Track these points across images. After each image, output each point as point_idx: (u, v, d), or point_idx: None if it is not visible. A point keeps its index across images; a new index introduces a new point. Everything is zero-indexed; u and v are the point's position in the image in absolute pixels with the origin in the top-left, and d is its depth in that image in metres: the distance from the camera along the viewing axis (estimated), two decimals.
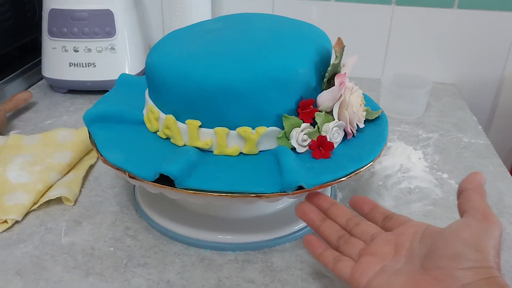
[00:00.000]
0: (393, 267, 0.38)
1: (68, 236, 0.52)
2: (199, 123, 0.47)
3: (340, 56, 0.50)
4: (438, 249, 0.36)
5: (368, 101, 0.59)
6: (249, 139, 0.47)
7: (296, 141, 0.48)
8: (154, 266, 0.48)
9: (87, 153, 0.66)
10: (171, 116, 0.48)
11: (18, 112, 0.80)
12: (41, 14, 0.85)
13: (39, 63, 0.90)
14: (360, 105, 0.51)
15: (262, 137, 0.48)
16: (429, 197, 0.60)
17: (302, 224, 0.53)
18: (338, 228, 0.43)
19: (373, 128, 0.54)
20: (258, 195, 0.43)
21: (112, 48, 0.84)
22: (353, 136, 0.52)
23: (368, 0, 0.92)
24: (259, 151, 0.48)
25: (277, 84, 0.46)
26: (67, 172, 0.62)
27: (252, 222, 0.53)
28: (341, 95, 0.48)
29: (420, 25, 0.93)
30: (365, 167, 0.48)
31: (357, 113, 0.50)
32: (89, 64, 0.84)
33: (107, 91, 0.62)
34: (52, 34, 0.83)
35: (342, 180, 0.46)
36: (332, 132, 0.49)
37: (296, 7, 0.94)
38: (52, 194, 0.57)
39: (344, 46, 0.50)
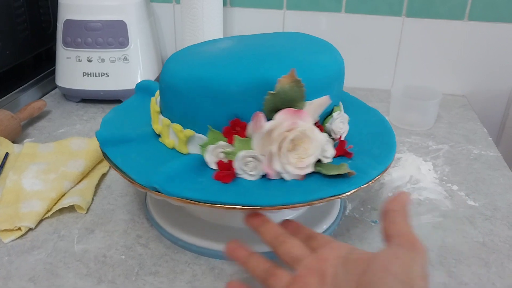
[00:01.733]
0: None
1: (81, 244, 0.53)
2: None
3: (282, 89, 0.44)
4: (370, 285, 0.35)
5: (374, 113, 0.60)
6: None
7: (211, 154, 0.47)
8: (165, 275, 0.49)
9: (99, 162, 0.67)
10: (178, 126, 0.49)
11: (33, 120, 0.82)
12: (56, 25, 0.87)
13: (53, 72, 0.92)
14: (300, 158, 0.46)
15: None
16: (439, 208, 0.60)
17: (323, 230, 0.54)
18: (264, 261, 0.42)
19: (379, 146, 0.54)
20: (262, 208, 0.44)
21: (125, 58, 0.85)
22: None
23: (378, 11, 0.93)
24: None
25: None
26: (80, 181, 0.63)
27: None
28: (261, 127, 0.45)
29: (430, 36, 0.93)
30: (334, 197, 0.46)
31: (286, 158, 0.45)
32: (102, 74, 0.85)
33: (120, 100, 0.63)
34: (66, 44, 0.85)
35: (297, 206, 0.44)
36: (243, 162, 0.46)
37: (306, 18, 0.95)
38: (65, 202, 0.58)
39: (295, 80, 0.45)
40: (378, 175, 0.49)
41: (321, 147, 0.46)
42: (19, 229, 0.54)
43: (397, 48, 0.95)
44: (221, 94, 0.46)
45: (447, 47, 0.93)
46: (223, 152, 0.47)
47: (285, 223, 0.46)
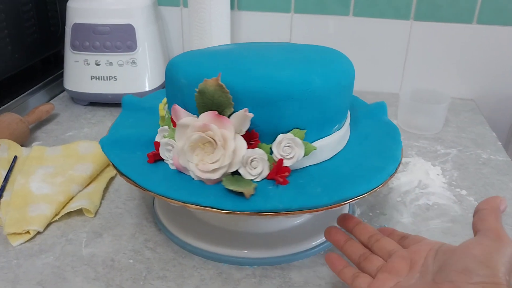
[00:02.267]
0: (407, 283, 0.39)
1: (89, 248, 0.53)
2: None
3: (206, 89, 0.45)
4: (449, 264, 0.37)
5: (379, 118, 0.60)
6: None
7: (159, 135, 0.52)
8: (172, 279, 0.49)
9: (107, 165, 0.67)
10: None
11: (41, 123, 0.82)
12: (64, 28, 0.87)
13: (61, 75, 0.92)
14: (202, 161, 0.45)
15: None
16: (448, 214, 0.60)
17: (321, 240, 0.53)
18: (360, 247, 0.46)
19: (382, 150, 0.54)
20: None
21: (133, 62, 0.85)
22: None
23: (386, 15, 0.92)
24: None
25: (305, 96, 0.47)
26: (88, 184, 0.63)
27: (270, 237, 0.53)
28: (177, 119, 0.47)
29: (438, 40, 0.93)
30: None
31: (190, 157, 0.46)
32: (110, 78, 0.86)
33: None
34: (74, 47, 0.85)
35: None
36: (165, 148, 0.49)
37: (314, 22, 0.95)
38: (73, 206, 0.58)
39: (219, 85, 0.44)
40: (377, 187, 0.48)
41: (235, 159, 0.45)
42: (28, 232, 0.55)
43: (405, 51, 0.95)
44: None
45: (456, 50, 0.93)
46: (163, 135, 0.50)
47: (380, 229, 0.49)
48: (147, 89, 0.87)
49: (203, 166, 0.45)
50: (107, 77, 0.86)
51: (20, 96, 0.86)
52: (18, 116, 0.74)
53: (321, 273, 0.50)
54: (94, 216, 0.58)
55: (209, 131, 0.45)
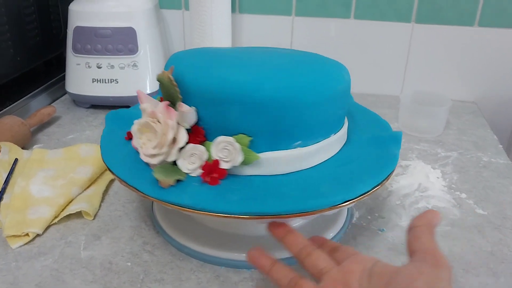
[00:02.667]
0: None
1: (87, 250, 0.53)
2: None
3: (160, 80, 0.47)
4: None
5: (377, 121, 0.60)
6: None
7: None
8: (170, 282, 0.49)
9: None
10: None
11: (42, 126, 0.83)
12: (66, 31, 0.88)
13: (63, 78, 0.93)
14: (144, 145, 0.47)
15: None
16: (447, 217, 0.60)
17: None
18: (287, 271, 0.43)
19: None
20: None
21: (134, 65, 0.86)
22: None
23: (387, 17, 0.92)
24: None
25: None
26: (88, 187, 0.64)
27: (267, 240, 0.53)
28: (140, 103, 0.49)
29: (440, 42, 0.92)
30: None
31: (138, 139, 0.48)
32: (112, 80, 0.86)
33: (129, 106, 0.63)
34: (76, 50, 0.86)
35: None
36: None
37: (315, 25, 0.95)
38: (73, 208, 0.58)
39: (169, 77, 0.46)
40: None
41: (173, 149, 0.47)
42: (27, 235, 0.55)
43: (406, 54, 0.95)
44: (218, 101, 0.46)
45: (457, 53, 0.93)
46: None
47: (312, 238, 0.47)
48: (148, 91, 0.87)
49: (146, 150, 0.47)
50: (108, 80, 0.86)
51: (22, 99, 0.86)
52: (20, 119, 0.74)
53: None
54: (93, 219, 0.59)
55: (155, 119, 0.47)
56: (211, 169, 0.46)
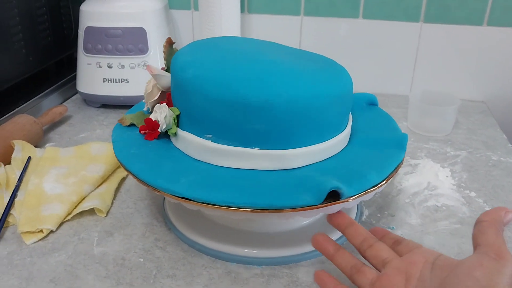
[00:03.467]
0: None
1: (100, 246, 0.54)
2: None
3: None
4: (450, 285, 0.36)
5: (388, 121, 0.60)
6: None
7: None
8: (182, 278, 0.49)
9: (119, 166, 0.68)
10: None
11: (54, 125, 0.84)
12: (77, 32, 0.89)
13: (74, 78, 0.94)
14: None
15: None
16: (456, 215, 0.60)
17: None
18: (351, 257, 0.44)
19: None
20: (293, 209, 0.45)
21: (145, 65, 0.87)
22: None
23: (396, 17, 0.93)
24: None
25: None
26: (100, 184, 0.64)
27: (278, 237, 0.54)
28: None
29: (448, 42, 0.92)
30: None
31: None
32: (122, 80, 0.87)
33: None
34: (87, 50, 0.87)
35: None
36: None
37: (323, 25, 0.96)
38: (85, 206, 0.59)
39: (172, 43, 0.60)
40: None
41: (150, 99, 0.58)
42: (41, 231, 0.56)
43: (415, 53, 0.95)
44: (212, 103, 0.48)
45: (466, 52, 0.93)
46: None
47: (372, 230, 0.47)
48: None
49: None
50: (119, 79, 0.87)
51: (34, 98, 0.87)
52: (32, 118, 0.75)
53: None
54: (106, 216, 0.59)
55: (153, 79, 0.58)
56: (151, 126, 0.54)
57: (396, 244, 0.44)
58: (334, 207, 0.46)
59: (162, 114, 0.53)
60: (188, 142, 0.51)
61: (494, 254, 0.36)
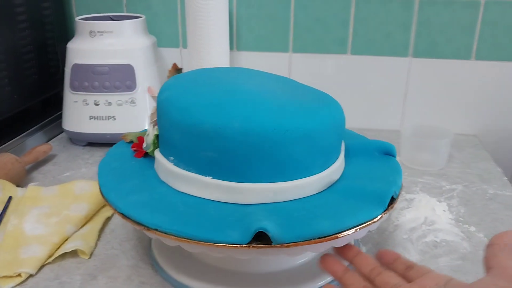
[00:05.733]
0: None
1: None
2: None
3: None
4: None
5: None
6: None
7: None
8: None
9: (103, 205, 0.66)
10: None
11: (38, 164, 0.81)
12: (64, 70, 0.88)
13: (59, 116, 0.92)
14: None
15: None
16: (457, 251, 0.58)
17: (324, 281, 0.51)
18: (360, 280, 0.43)
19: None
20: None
21: (132, 102, 0.85)
22: None
23: (384, 52, 0.93)
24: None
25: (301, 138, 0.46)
26: (84, 224, 0.61)
27: (271, 278, 0.51)
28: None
29: (438, 76, 0.93)
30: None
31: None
32: (109, 117, 0.85)
33: None
34: (74, 88, 0.85)
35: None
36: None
37: (312, 61, 0.95)
38: (68, 247, 0.56)
39: (178, 69, 0.60)
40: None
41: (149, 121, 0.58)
42: (19, 275, 0.52)
43: (404, 88, 0.95)
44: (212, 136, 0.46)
45: (456, 86, 0.93)
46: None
47: (382, 253, 0.45)
48: (146, 127, 0.86)
49: None
50: (106, 117, 0.85)
51: (18, 137, 0.85)
52: (14, 156, 0.73)
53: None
54: (89, 258, 0.56)
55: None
56: (139, 145, 0.56)
57: (409, 269, 0.42)
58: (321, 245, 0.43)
59: (149, 135, 0.54)
60: (157, 162, 0.52)
61: (508, 276, 0.35)
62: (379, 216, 0.46)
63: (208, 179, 0.47)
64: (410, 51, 0.92)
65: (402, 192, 0.71)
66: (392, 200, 0.48)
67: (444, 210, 0.67)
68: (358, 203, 0.47)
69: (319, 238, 0.43)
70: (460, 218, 0.65)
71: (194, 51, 0.88)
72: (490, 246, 0.39)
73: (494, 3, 0.86)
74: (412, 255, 0.57)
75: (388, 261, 0.44)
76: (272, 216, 0.44)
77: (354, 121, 0.95)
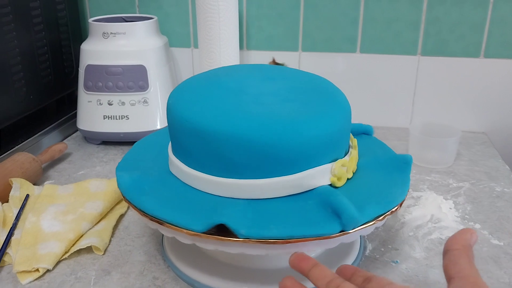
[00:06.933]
0: None
1: (97, 286, 0.53)
2: None
3: None
4: None
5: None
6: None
7: None
8: None
9: (118, 203, 0.68)
10: None
11: (53, 162, 0.83)
12: (78, 70, 0.90)
13: (74, 116, 0.94)
14: None
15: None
16: None
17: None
18: (327, 273, 0.41)
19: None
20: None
21: (145, 101, 0.87)
22: None
23: (393, 51, 0.94)
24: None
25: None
26: (98, 222, 0.64)
27: (283, 274, 0.52)
28: None
29: (446, 74, 0.93)
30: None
31: None
32: (123, 117, 0.87)
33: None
34: (87, 88, 0.87)
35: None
36: None
37: (321, 60, 0.96)
38: (83, 244, 0.58)
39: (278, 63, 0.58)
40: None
41: None
42: (37, 270, 0.54)
43: (413, 86, 0.95)
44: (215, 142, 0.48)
45: (465, 84, 0.93)
46: None
47: (341, 268, 0.44)
48: (158, 127, 0.88)
49: None
50: (119, 116, 0.87)
51: (34, 136, 0.87)
52: (31, 156, 0.75)
53: None
54: (103, 254, 0.58)
55: None
56: None
57: (367, 281, 0.40)
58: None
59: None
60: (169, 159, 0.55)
61: (472, 286, 0.34)
62: (336, 234, 0.45)
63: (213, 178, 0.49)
64: (419, 49, 0.92)
65: (410, 190, 0.72)
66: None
67: (450, 208, 0.68)
68: (324, 216, 0.46)
69: (271, 240, 0.44)
70: (466, 216, 0.66)
71: (204, 51, 0.90)
72: (447, 252, 0.37)
73: (503, 1, 0.86)
74: (417, 252, 0.58)
75: (346, 275, 0.43)
76: (247, 211, 0.46)
77: (363, 119, 0.95)
